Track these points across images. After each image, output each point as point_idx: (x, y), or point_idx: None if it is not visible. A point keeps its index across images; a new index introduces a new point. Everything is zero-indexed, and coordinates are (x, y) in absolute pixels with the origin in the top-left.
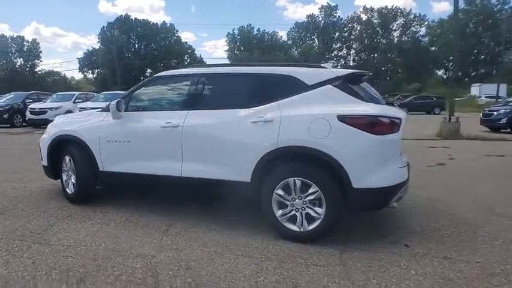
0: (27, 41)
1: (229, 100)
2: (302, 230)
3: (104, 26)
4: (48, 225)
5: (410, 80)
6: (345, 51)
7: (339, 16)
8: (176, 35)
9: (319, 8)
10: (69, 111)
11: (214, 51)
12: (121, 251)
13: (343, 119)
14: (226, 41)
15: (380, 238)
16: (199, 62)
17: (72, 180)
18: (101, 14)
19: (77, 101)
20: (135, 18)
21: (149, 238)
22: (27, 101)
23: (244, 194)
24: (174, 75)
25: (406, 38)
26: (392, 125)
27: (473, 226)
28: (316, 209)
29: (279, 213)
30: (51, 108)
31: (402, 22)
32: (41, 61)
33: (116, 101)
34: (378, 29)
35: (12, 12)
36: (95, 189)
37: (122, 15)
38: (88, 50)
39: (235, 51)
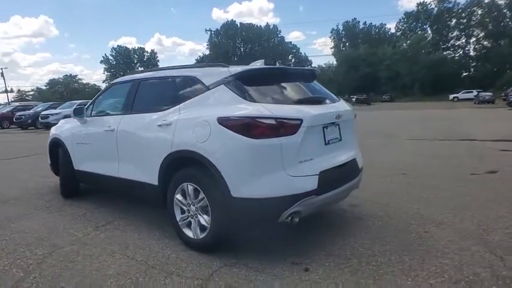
0: (147, 52)
1: (149, 104)
2: (196, 237)
3: (211, 33)
4: (24, 214)
5: None
6: (463, 40)
7: (455, 1)
8: (279, 35)
9: None
10: None
11: (324, 48)
12: (43, 240)
13: (221, 121)
14: (330, 38)
15: (288, 256)
16: (304, 61)
17: None
18: (214, 21)
19: None
20: (240, 23)
21: (79, 231)
22: None
23: (155, 196)
24: (121, 81)
25: None
26: (282, 127)
27: (430, 255)
28: (205, 217)
29: (179, 217)
30: None
31: None
32: None
33: (74, 107)
34: (506, 10)
35: (138, 27)
36: (78, 185)
37: (227, 21)
38: (199, 56)
39: (341, 47)
